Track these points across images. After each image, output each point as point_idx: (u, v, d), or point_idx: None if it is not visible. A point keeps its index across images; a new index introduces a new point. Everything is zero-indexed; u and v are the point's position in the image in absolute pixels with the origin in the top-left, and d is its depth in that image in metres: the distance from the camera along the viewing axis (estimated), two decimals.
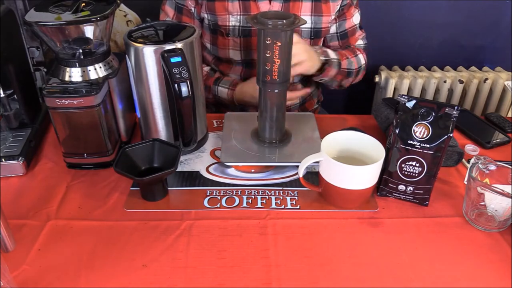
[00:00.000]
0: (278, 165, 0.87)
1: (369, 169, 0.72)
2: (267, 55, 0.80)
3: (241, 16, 1.05)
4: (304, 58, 0.96)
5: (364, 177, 0.73)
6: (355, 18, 1.14)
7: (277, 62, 0.80)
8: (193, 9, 1.09)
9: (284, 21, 0.77)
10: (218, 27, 1.07)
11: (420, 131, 0.73)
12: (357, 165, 0.71)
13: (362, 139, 0.79)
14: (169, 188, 0.81)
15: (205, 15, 1.08)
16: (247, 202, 0.78)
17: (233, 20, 1.06)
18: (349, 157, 0.79)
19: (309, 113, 1.06)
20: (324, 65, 1.06)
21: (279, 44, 0.78)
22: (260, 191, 0.81)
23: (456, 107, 0.71)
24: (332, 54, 1.07)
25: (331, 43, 1.16)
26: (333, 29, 1.14)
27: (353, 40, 1.17)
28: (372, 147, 0.77)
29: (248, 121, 0.99)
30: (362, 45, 1.18)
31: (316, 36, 1.10)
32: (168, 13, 1.10)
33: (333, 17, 1.10)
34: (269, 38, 0.78)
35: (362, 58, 1.16)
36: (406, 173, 0.76)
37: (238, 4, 1.04)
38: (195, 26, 1.09)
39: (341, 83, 1.16)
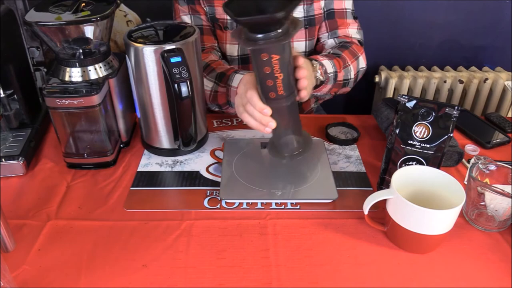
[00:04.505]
0: (283, 201, 0.79)
1: (447, 214, 0.64)
2: (267, 72, 0.70)
3: None
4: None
5: (440, 222, 0.65)
6: (347, 3, 1.09)
7: (280, 76, 0.70)
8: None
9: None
10: (216, 21, 1.07)
11: (420, 131, 0.73)
12: (431, 205, 0.63)
13: (438, 176, 0.71)
14: (169, 188, 0.81)
15: (205, 8, 1.07)
16: (247, 202, 0.78)
17: None
18: (422, 196, 0.70)
19: (317, 138, 0.96)
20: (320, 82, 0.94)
21: (277, 57, 0.68)
22: None
23: (456, 107, 0.71)
24: (329, 67, 0.95)
25: (321, 32, 1.11)
26: (321, 10, 1.08)
27: (343, 24, 1.09)
28: (449, 186, 0.69)
29: (250, 148, 0.92)
30: (359, 38, 1.10)
31: (310, 24, 1.09)
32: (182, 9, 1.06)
33: (323, 3, 1.08)
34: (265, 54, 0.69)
35: (362, 61, 1.06)
36: None
37: None
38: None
39: (336, 94, 1.05)
